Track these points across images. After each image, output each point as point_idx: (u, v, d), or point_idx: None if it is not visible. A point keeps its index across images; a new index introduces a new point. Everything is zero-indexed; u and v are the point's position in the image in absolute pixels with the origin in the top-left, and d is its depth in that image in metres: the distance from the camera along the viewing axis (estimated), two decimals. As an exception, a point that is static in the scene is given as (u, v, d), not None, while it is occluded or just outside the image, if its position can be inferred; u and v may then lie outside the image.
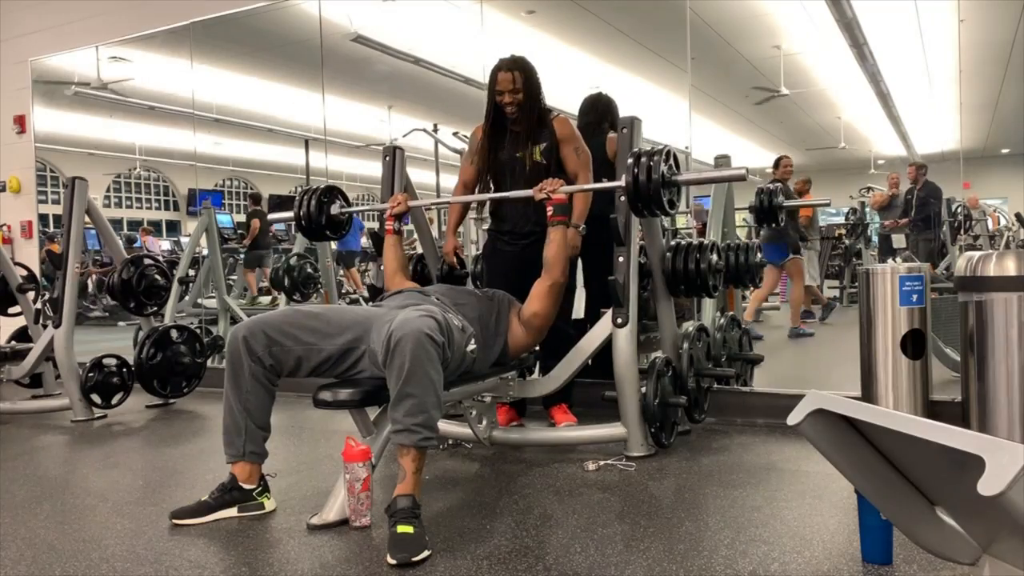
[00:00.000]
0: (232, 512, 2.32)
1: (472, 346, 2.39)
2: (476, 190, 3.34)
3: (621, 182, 2.74)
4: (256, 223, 6.33)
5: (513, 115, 3.07)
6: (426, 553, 1.93)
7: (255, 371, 2.27)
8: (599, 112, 3.56)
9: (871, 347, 2.95)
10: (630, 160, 2.67)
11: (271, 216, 3.88)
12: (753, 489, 2.45)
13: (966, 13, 3.73)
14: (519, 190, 3.05)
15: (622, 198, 2.86)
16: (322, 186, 3.33)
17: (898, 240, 5.12)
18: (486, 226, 3.82)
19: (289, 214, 3.35)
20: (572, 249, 3.04)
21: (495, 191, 3.17)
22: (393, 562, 1.89)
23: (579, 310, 3.42)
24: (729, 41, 5.11)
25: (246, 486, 2.34)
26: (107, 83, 6.02)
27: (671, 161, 2.65)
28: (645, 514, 2.24)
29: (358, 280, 6.91)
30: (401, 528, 1.97)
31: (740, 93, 5.46)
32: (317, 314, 2.37)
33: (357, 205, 3.54)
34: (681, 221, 4.75)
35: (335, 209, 3.25)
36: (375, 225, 4.29)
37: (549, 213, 2.72)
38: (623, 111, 3.51)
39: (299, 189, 6.86)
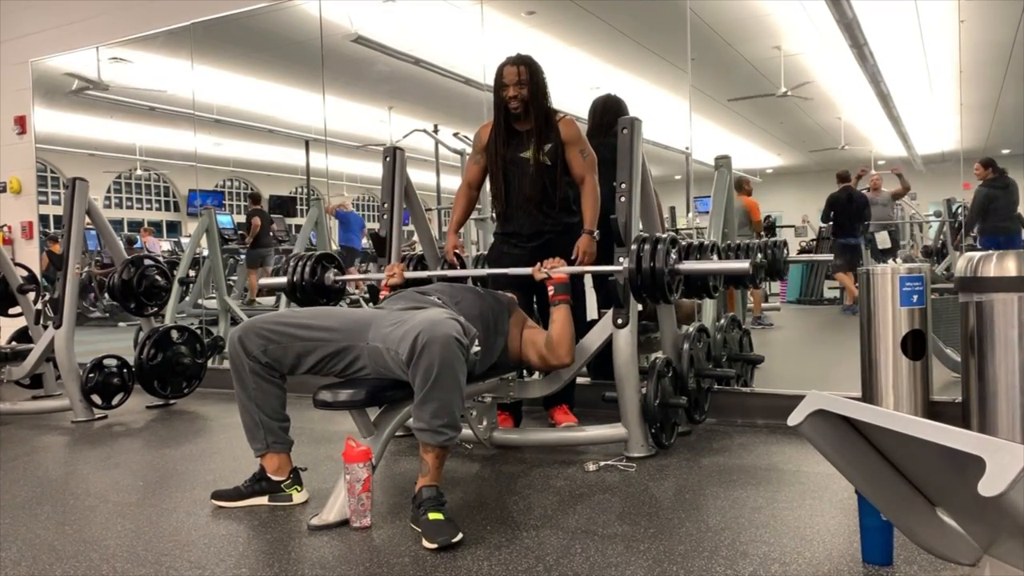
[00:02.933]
0: (263, 501, 2.42)
1: (476, 347, 2.40)
2: (480, 190, 3.35)
3: (622, 266, 2.75)
4: (257, 222, 6.33)
5: (517, 111, 3.07)
6: (460, 536, 2.01)
7: (255, 369, 2.32)
8: (609, 114, 3.56)
9: (871, 347, 2.95)
10: (634, 246, 2.69)
11: (262, 282, 3.89)
12: (753, 490, 2.45)
13: (966, 13, 3.73)
14: (525, 189, 3.07)
15: (622, 199, 2.86)
16: (316, 253, 3.37)
17: (882, 240, 5.13)
18: (490, 233, 3.82)
19: (282, 280, 3.37)
20: (589, 256, 3.04)
21: (501, 191, 3.17)
22: (433, 546, 1.97)
23: (592, 311, 3.42)
24: (729, 42, 5.11)
25: (275, 477, 2.42)
26: (107, 84, 6.02)
27: (675, 248, 2.68)
28: (645, 515, 2.24)
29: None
30: (432, 515, 2.07)
31: (742, 93, 5.47)
32: (314, 314, 2.44)
33: (357, 206, 3.55)
34: (681, 222, 4.75)
35: (330, 276, 3.29)
36: (375, 226, 4.29)
37: (550, 293, 2.74)
38: (623, 111, 3.52)
39: (300, 189, 6.91)
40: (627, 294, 2.83)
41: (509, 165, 3.14)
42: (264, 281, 3.82)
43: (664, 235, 2.72)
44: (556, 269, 2.74)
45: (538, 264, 2.79)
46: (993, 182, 4.27)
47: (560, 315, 2.71)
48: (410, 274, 3.14)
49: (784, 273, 4.15)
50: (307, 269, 3.27)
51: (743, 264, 2.79)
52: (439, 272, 3.30)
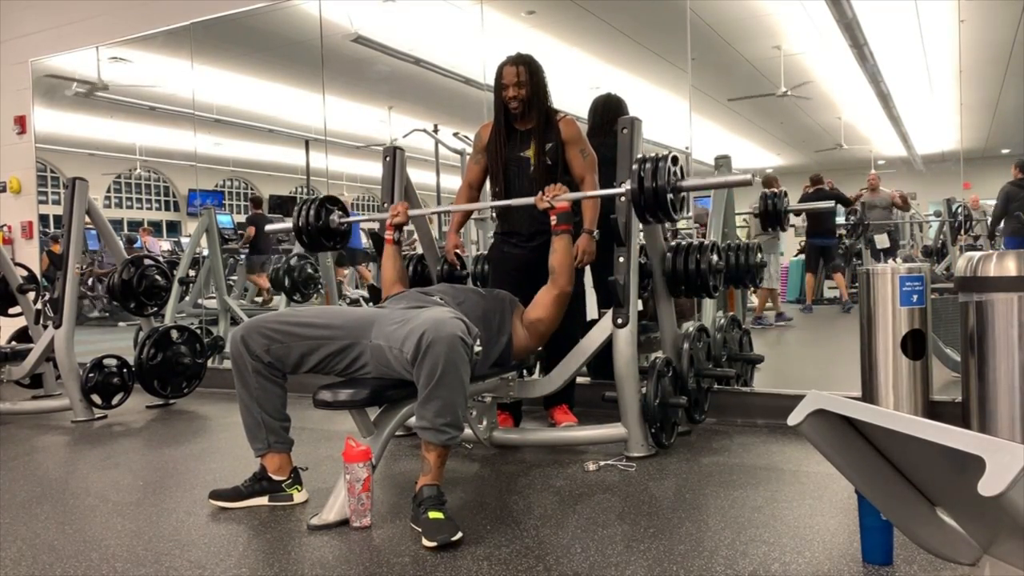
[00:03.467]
0: (263, 501, 2.41)
1: (478, 347, 2.41)
2: (481, 189, 3.34)
3: (625, 187, 2.74)
4: (251, 229, 6.32)
5: (517, 110, 3.07)
6: (460, 534, 2.01)
7: (258, 368, 2.32)
8: (610, 113, 3.55)
9: (871, 347, 2.95)
10: (635, 165, 2.67)
11: (268, 228, 3.85)
12: (753, 489, 2.45)
13: (966, 13, 3.73)
14: (525, 189, 3.06)
15: (622, 199, 2.86)
16: (320, 195, 3.33)
17: (881, 240, 5.15)
18: (490, 233, 3.81)
19: (287, 224, 3.35)
20: (589, 256, 3.04)
21: (502, 191, 3.17)
22: (433, 544, 1.98)
23: (592, 311, 3.42)
24: (729, 41, 5.11)
25: (276, 477, 2.41)
26: (107, 83, 6.02)
27: (677, 166, 2.65)
28: (645, 514, 2.24)
29: (368, 276, 6.90)
30: (432, 514, 2.07)
31: (742, 93, 5.47)
32: (316, 313, 2.43)
33: (356, 207, 3.55)
34: (682, 222, 4.75)
35: (335, 219, 3.26)
36: (375, 226, 4.29)
37: (553, 222, 2.73)
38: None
39: (300, 189, 6.91)
40: (627, 293, 2.83)
41: (510, 164, 3.14)
42: (270, 228, 3.81)
43: (666, 153, 2.69)
44: (559, 197, 2.73)
45: (540, 193, 2.77)
46: (1019, 182, 4.30)
47: (561, 244, 2.73)
48: (414, 212, 3.12)
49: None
50: (311, 212, 3.25)
51: (745, 176, 2.76)
52: (440, 208, 3.27)
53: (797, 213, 5.10)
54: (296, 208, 3.29)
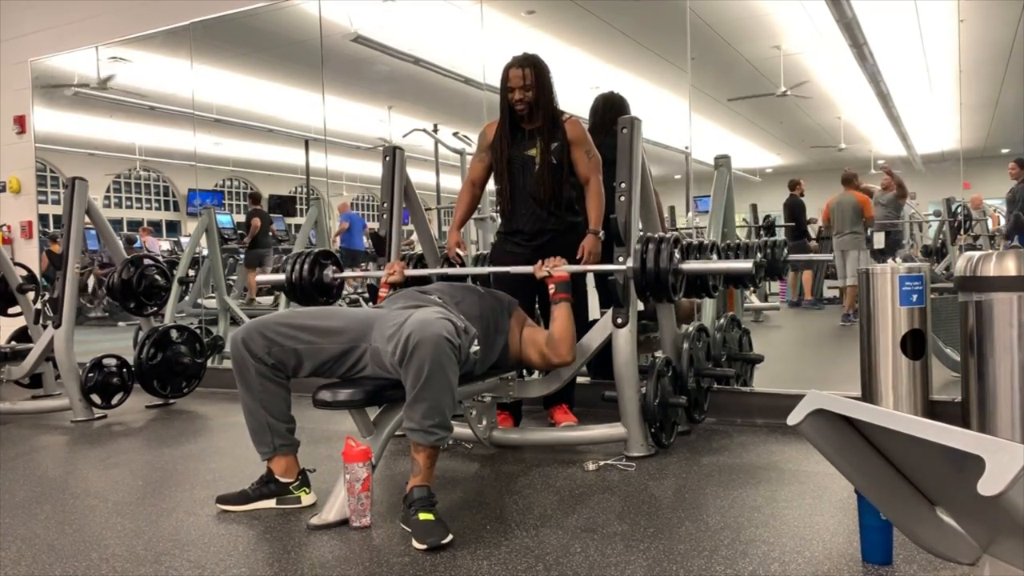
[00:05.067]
0: (271, 504, 2.39)
1: (475, 347, 2.40)
2: (484, 188, 3.35)
3: (626, 265, 2.75)
4: (256, 222, 6.33)
5: (523, 112, 3.07)
6: (450, 537, 2.01)
7: (261, 370, 2.30)
8: (610, 112, 3.55)
9: (871, 347, 2.95)
10: (638, 245, 2.69)
11: (259, 279, 3.85)
12: (753, 489, 2.45)
13: (966, 13, 3.73)
14: (529, 188, 3.07)
15: (622, 198, 2.86)
16: (314, 251, 3.34)
17: (878, 240, 5.15)
18: (491, 233, 3.80)
19: (280, 277, 3.35)
20: (594, 256, 3.04)
21: (506, 189, 3.17)
22: (423, 547, 1.97)
23: (594, 310, 3.42)
24: (729, 41, 5.11)
25: (283, 479, 2.40)
26: (107, 83, 6.02)
27: (677, 248, 2.68)
28: (645, 514, 2.24)
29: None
30: (423, 516, 2.06)
31: (742, 93, 5.47)
32: (316, 314, 2.41)
33: (356, 207, 3.54)
34: (681, 221, 4.75)
35: (328, 274, 3.27)
36: (375, 225, 4.29)
37: (551, 291, 2.74)
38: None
39: (299, 189, 6.91)
40: (627, 293, 2.83)
41: (514, 163, 3.13)
42: (262, 278, 3.81)
43: (667, 235, 2.72)
44: (557, 268, 2.74)
45: (540, 262, 2.79)
46: None
47: (561, 313, 2.72)
48: (411, 272, 3.13)
49: (784, 272, 4.16)
50: (305, 267, 3.26)
51: (746, 264, 2.80)
52: (439, 271, 3.30)
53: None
54: (289, 262, 3.30)
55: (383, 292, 3.00)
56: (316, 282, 3.28)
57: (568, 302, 2.74)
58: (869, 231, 5.04)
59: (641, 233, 2.96)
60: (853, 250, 5.02)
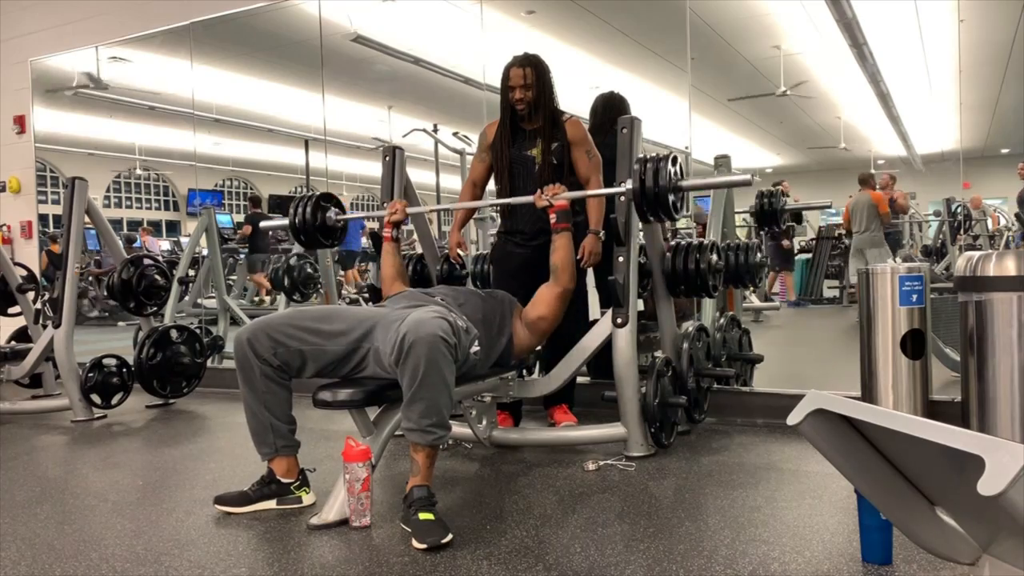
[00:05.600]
0: (271, 504, 2.38)
1: (476, 347, 2.41)
2: (485, 188, 3.34)
3: (625, 187, 2.74)
4: (247, 228, 6.32)
5: (523, 112, 3.07)
6: (450, 536, 2.00)
7: (266, 371, 2.29)
8: (610, 112, 3.55)
9: (871, 347, 2.95)
10: (636, 165, 2.68)
11: (264, 225, 3.82)
12: (753, 489, 2.45)
13: (966, 13, 3.73)
14: (530, 189, 3.06)
15: (622, 198, 2.86)
16: (317, 192, 3.32)
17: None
18: (492, 230, 3.79)
19: (284, 221, 3.34)
20: (595, 256, 3.04)
21: (506, 189, 3.17)
22: (422, 547, 1.97)
23: (595, 311, 3.42)
24: (729, 41, 5.11)
25: (284, 480, 2.39)
26: (107, 83, 6.02)
27: (677, 166, 2.66)
28: (645, 514, 2.24)
29: (358, 278, 6.91)
30: (423, 515, 2.06)
31: (742, 93, 5.47)
32: (320, 315, 2.39)
33: (356, 207, 3.54)
34: (681, 222, 4.75)
35: (331, 216, 3.25)
36: (375, 225, 4.28)
37: (552, 220, 2.74)
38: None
39: (299, 189, 6.91)
40: (627, 293, 2.83)
41: (515, 163, 3.13)
42: (266, 224, 3.77)
43: (665, 153, 2.70)
44: (558, 196, 2.74)
45: (539, 192, 2.77)
46: None
47: (562, 241, 2.74)
48: (412, 209, 3.12)
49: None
50: (307, 210, 3.24)
51: (745, 177, 2.78)
52: (439, 207, 3.27)
53: (798, 219, 5.14)
54: (292, 205, 3.28)
55: (387, 232, 3.01)
56: (320, 224, 3.26)
57: (568, 231, 2.75)
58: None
59: (640, 237, 2.97)
60: (871, 248, 5.01)
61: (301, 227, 3.23)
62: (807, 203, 4.91)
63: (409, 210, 3.06)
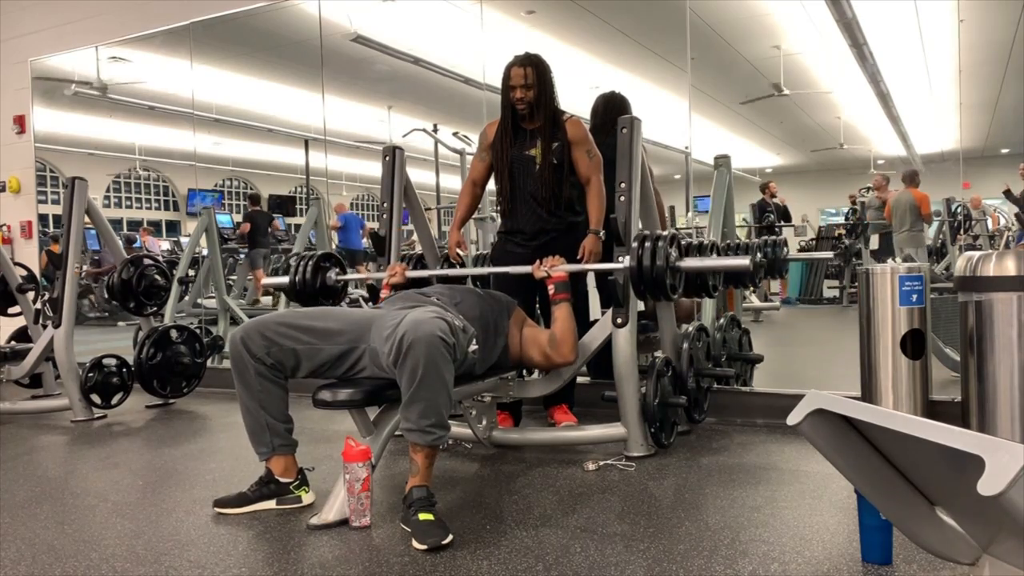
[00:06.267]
0: (271, 504, 2.37)
1: (474, 347, 2.41)
2: (485, 187, 3.35)
3: (623, 264, 2.74)
4: (246, 226, 6.32)
5: (524, 111, 3.07)
6: (450, 537, 2.00)
7: (260, 371, 2.29)
8: (612, 111, 3.55)
9: (871, 347, 2.95)
10: (635, 244, 2.69)
11: (266, 282, 3.85)
12: (753, 489, 2.45)
13: (966, 13, 3.73)
14: (530, 188, 3.07)
15: (622, 198, 2.86)
16: (316, 254, 3.35)
17: (874, 241, 5.17)
18: (490, 233, 3.79)
19: (284, 280, 3.36)
20: (595, 256, 3.04)
21: (507, 188, 3.17)
22: (423, 547, 1.97)
23: (595, 310, 3.42)
24: (729, 41, 5.11)
25: (283, 479, 2.39)
26: (107, 83, 6.02)
27: (675, 246, 2.67)
28: (645, 514, 2.24)
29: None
30: (423, 516, 2.06)
31: (742, 92, 5.47)
32: (316, 315, 2.40)
33: (356, 207, 3.54)
34: (681, 221, 4.75)
35: (331, 276, 3.28)
36: (375, 225, 4.28)
37: (551, 292, 2.75)
38: (623, 111, 3.51)
39: (299, 189, 6.91)
40: (627, 293, 2.83)
41: (515, 163, 3.13)
42: (266, 280, 3.81)
43: (664, 233, 2.72)
44: (556, 268, 2.74)
45: (537, 262, 2.79)
46: None
47: (562, 313, 2.72)
48: (412, 273, 3.13)
49: (784, 271, 4.16)
50: (308, 270, 3.26)
51: (743, 260, 2.79)
52: (440, 272, 3.30)
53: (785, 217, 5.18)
54: (292, 266, 3.31)
55: (384, 293, 3.00)
56: (320, 285, 3.29)
57: (568, 302, 2.74)
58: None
59: (639, 232, 2.96)
60: (910, 247, 4.97)
61: (301, 286, 3.26)
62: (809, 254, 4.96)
63: (409, 274, 3.05)
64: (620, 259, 2.80)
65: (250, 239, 6.33)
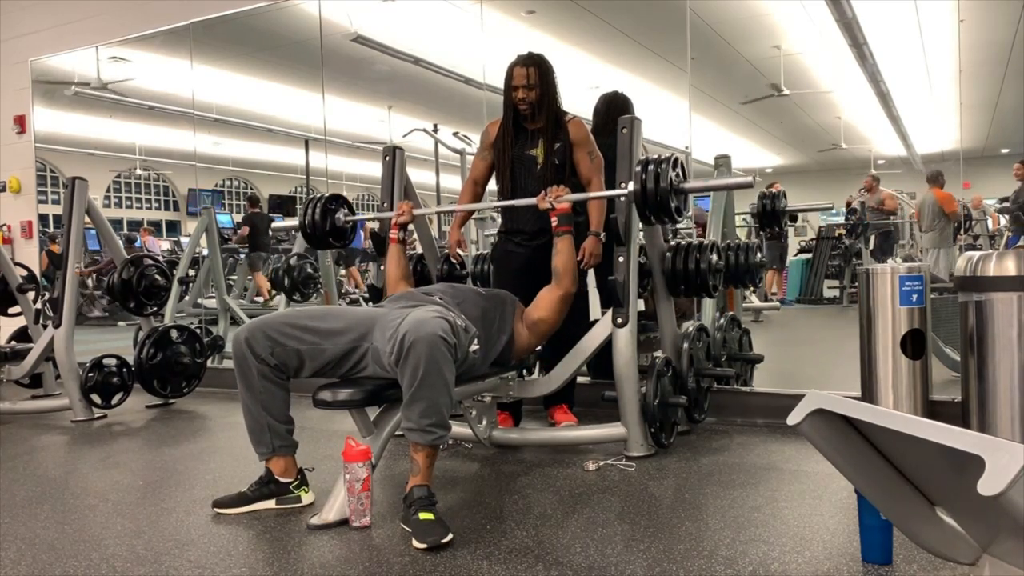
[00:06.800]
0: (270, 504, 2.38)
1: (475, 346, 2.41)
2: (486, 187, 3.34)
3: (627, 188, 2.74)
4: (244, 229, 6.32)
5: (526, 111, 3.07)
6: (450, 536, 2.00)
7: (263, 371, 2.29)
8: (614, 112, 3.54)
9: (871, 347, 2.95)
10: (638, 167, 2.68)
11: (275, 226, 3.86)
12: (753, 489, 2.45)
13: (966, 13, 3.73)
14: (531, 188, 3.06)
15: (622, 198, 2.86)
16: (326, 194, 3.34)
17: (871, 242, 5.17)
18: (489, 230, 3.78)
19: (294, 222, 3.36)
20: (596, 258, 3.04)
21: (508, 188, 3.17)
22: (423, 546, 1.97)
23: (596, 312, 3.42)
24: (729, 41, 5.11)
25: (283, 479, 2.39)
26: (107, 83, 6.02)
27: (678, 168, 2.66)
28: (645, 514, 2.24)
29: (359, 279, 6.91)
30: (423, 515, 2.06)
31: (742, 92, 5.47)
32: (318, 314, 2.39)
33: (356, 206, 3.54)
34: (682, 223, 4.75)
35: (340, 217, 3.27)
36: (375, 225, 4.28)
37: (554, 223, 2.75)
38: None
39: (299, 189, 6.91)
40: (626, 293, 2.83)
41: (516, 163, 3.13)
42: (277, 225, 3.81)
43: (667, 155, 2.70)
44: (560, 199, 2.74)
45: (542, 194, 2.78)
46: None
47: (564, 245, 2.75)
48: (419, 211, 3.13)
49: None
50: (317, 211, 3.26)
51: (747, 178, 2.79)
52: (445, 208, 3.27)
53: (793, 218, 5.15)
54: (302, 207, 3.30)
55: (393, 234, 3.02)
56: (329, 225, 3.28)
57: (570, 234, 2.77)
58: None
59: (640, 237, 2.96)
60: (934, 248, 4.94)
61: (311, 228, 3.25)
62: (810, 204, 4.89)
63: (416, 211, 3.06)
64: (623, 184, 2.79)
65: (250, 241, 6.33)
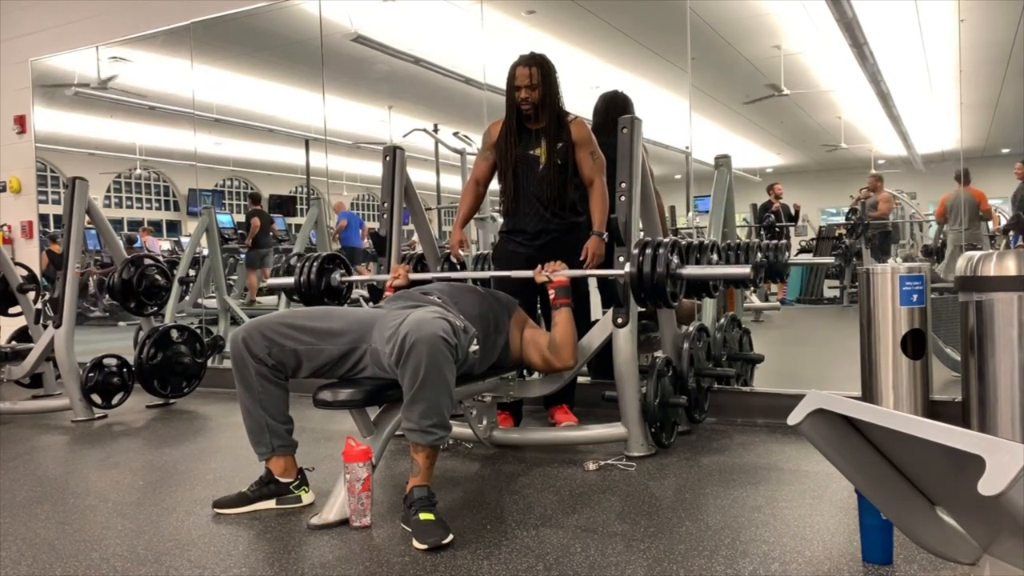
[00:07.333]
0: (271, 504, 2.38)
1: (475, 347, 2.40)
2: (488, 186, 3.35)
3: (624, 270, 2.73)
4: (256, 222, 6.33)
5: (528, 111, 3.07)
6: (451, 537, 2.01)
7: (261, 371, 2.29)
8: (614, 111, 3.54)
9: (871, 347, 2.95)
10: (636, 250, 2.68)
11: (270, 283, 3.86)
12: (753, 489, 2.45)
13: (966, 13, 3.73)
14: (534, 188, 3.07)
15: (622, 198, 2.86)
16: (323, 254, 3.36)
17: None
18: (489, 232, 3.78)
19: (289, 280, 3.37)
20: (598, 258, 3.04)
21: (510, 188, 3.17)
22: (423, 547, 1.97)
23: (596, 310, 3.42)
24: (729, 41, 5.11)
25: (283, 479, 2.39)
26: (107, 83, 6.02)
27: (676, 253, 2.67)
28: (645, 514, 2.24)
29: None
30: (424, 516, 2.06)
31: (742, 92, 5.46)
32: (317, 315, 2.39)
33: (356, 207, 3.54)
34: (681, 221, 4.75)
35: (336, 277, 3.29)
36: (375, 225, 4.29)
37: (552, 296, 2.74)
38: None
39: (300, 189, 6.91)
40: (627, 293, 2.83)
41: (519, 163, 3.13)
42: (271, 281, 3.81)
43: (666, 240, 2.72)
44: (557, 272, 2.74)
45: (539, 267, 2.79)
46: None
47: (562, 318, 2.72)
48: (415, 275, 3.13)
49: (785, 275, 4.16)
50: (313, 271, 3.27)
51: (744, 269, 2.80)
52: (442, 275, 3.29)
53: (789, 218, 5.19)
54: (297, 266, 3.32)
55: (388, 295, 3.00)
56: (325, 287, 3.30)
57: (569, 307, 2.74)
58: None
59: (641, 237, 2.96)
60: (967, 244, 4.90)
61: (306, 288, 3.28)
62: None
63: (412, 276, 3.05)
64: (621, 258, 2.79)
65: (251, 239, 6.34)
